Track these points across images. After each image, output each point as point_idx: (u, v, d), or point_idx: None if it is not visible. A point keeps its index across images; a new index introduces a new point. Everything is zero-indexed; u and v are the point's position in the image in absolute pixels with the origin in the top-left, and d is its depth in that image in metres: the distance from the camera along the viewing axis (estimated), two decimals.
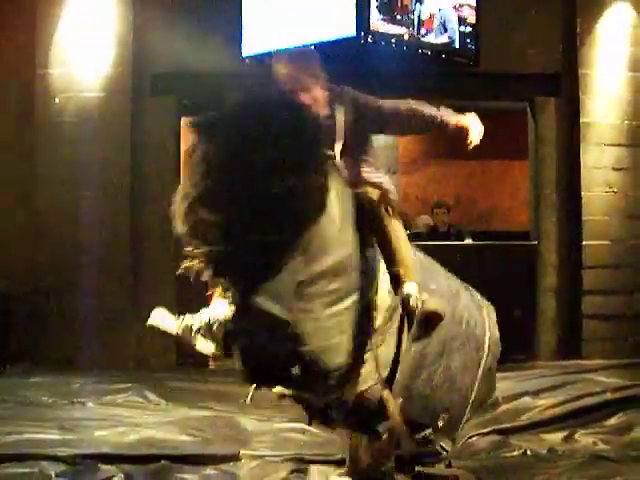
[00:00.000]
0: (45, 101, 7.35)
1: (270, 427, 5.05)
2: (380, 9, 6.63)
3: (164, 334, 3.43)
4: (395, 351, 3.53)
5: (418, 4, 6.88)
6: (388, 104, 3.65)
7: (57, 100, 7.32)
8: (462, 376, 3.90)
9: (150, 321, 3.43)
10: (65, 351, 7.03)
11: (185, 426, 4.98)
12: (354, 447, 3.82)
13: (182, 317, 3.40)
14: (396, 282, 3.41)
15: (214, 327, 3.33)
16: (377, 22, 6.57)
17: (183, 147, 7.97)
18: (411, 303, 3.34)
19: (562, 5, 7.69)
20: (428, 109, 3.66)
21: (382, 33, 6.62)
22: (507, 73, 7.61)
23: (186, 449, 4.48)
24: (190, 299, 7.31)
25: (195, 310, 3.43)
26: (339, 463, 4.17)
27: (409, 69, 6.93)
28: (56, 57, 7.34)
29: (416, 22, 6.87)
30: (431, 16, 6.93)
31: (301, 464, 4.26)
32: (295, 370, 3.10)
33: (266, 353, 3.06)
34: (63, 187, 7.27)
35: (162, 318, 3.43)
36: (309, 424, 4.06)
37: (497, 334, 4.14)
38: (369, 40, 6.54)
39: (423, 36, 6.93)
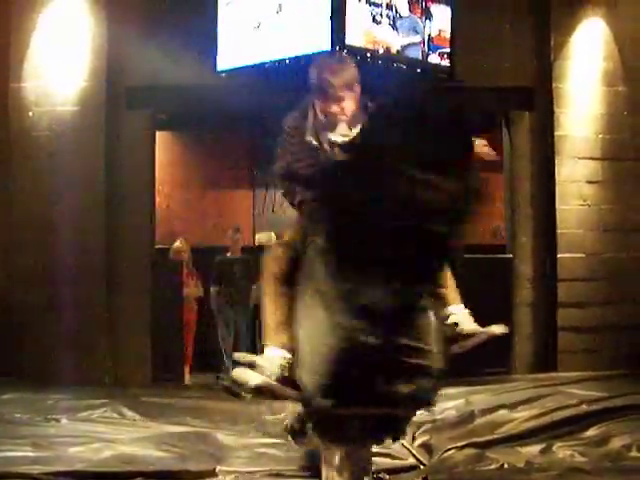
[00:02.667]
0: (20, 115, 7.30)
1: (246, 442, 5.02)
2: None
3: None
4: None
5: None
6: None
7: (32, 114, 7.28)
8: None
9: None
10: (39, 367, 6.95)
11: (161, 442, 4.93)
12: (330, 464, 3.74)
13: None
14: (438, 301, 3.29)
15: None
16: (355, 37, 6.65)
17: (158, 160, 7.98)
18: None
19: (536, 19, 7.75)
20: None
21: (357, 48, 6.64)
22: (481, 87, 7.64)
23: (162, 465, 4.44)
24: (165, 315, 7.36)
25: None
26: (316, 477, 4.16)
27: (384, 83, 6.94)
28: (30, 70, 7.29)
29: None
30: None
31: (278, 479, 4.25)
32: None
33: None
34: (38, 201, 7.22)
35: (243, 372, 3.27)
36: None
37: None
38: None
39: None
